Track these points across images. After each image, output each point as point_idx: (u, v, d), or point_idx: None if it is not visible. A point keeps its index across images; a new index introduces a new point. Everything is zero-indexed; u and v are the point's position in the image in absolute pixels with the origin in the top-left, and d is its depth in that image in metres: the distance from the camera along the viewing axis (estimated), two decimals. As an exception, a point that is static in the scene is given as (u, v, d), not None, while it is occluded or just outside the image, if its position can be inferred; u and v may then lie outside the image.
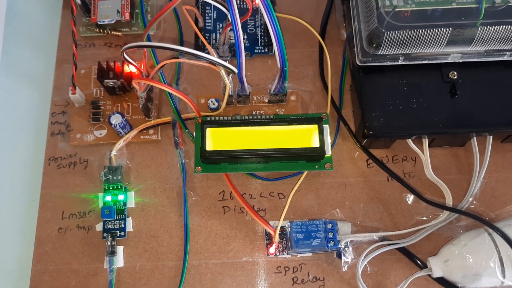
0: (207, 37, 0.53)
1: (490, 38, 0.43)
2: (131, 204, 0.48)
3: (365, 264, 0.45)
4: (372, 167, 0.49)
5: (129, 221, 0.47)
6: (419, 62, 0.45)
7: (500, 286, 0.42)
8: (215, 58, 0.40)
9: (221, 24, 0.53)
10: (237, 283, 0.45)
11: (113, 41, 0.54)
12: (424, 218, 0.47)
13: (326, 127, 0.45)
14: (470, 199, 0.46)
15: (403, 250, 0.46)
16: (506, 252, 0.41)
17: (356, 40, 0.46)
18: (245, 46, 0.52)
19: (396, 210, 0.47)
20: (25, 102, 0.53)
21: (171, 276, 0.46)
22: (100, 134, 0.50)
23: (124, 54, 0.42)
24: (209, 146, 0.44)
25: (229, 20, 0.41)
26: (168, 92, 0.48)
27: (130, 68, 0.49)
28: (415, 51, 0.44)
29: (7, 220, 0.49)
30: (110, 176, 0.47)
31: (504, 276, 0.41)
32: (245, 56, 0.51)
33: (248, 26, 0.53)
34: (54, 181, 0.49)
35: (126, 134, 0.49)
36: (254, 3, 0.50)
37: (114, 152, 0.48)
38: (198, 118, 0.46)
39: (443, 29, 0.42)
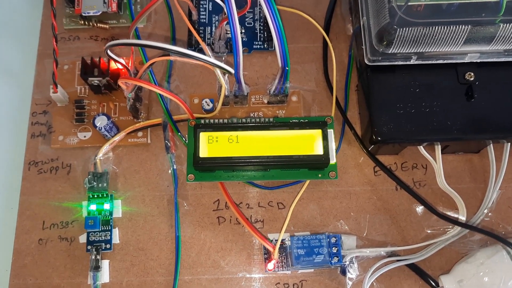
0: (201, 31, 0.49)
1: (511, 36, 0.39)
2: (117, 213, 0.45)
3: (372, 282, 0.42)
4: (379, 175, 0.45)
5: (116, 232, 0.44)
6: (433, 62, 0.42)
7: (519, 308, 0.39)
8: (209, 58, 0.36)
9: (217, 17, 0.50)
10: (233, 301, 0.42)
11: (99, 34, 0.50)
12: (436, 231, 0.43)
13: (331, 132, 0.42)
14: (485, 211, 0.43)
15: (413, 267, 0.42)
16: (527, 271, 0.38)
17: (365, 36, 0.42)
18: (242, 41, 0.49)
19: (405, 222, 0.44)
20: (3, 100, 0.50)
21: (160, 293, 0.43)
22: (85, 136, 0.46)
23: (108, 51, 0.38)
24: (203, 153, 0.41)
25: (225, 14, 0.37)
26: (158, 92, 0.44)
27: (116, 65, 0.45)
28: (429, 50, 0.41)
29: (-18, 230, 0.46)
30: (94, 183, 0.44)
31: (524, 299, 0.38)
32: (243, 52, 0.48)
33: (246, 19, 0.50)
34: (34, 187, 0.46)
35: (112, 137, 0.45)
36: (252, -6, 0.46)
37: (99, 156, 0.45)
38: (191, 121, 0.43)
39: (461, 26, 0.39)
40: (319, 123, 0.42)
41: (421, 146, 0.44)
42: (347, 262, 0.42)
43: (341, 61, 0.49)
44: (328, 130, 0.42)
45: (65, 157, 0.46)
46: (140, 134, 0.46)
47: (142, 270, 0.43)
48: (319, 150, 0.41)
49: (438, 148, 0.43)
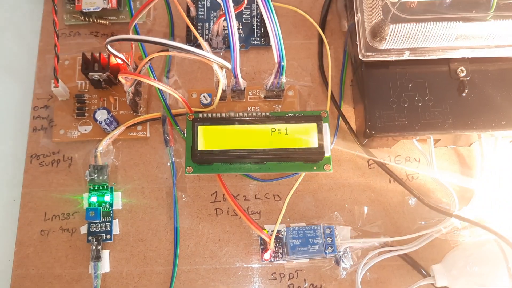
0: (199, 27, 0.50)
1: (501, 32, 0.40)
2: (117, 205, 0.45)
3: (365, 271, 0.43)
4: (373, 168, 0.46)
5: (116, 223, 0.45)
6: (426, 57, 0.43)
7: (508, 297, 0.40)
8: (206, 53, 0.37)
9: (214, 13, 0.50)
10: (230, 290, 0.43)
11: (100, 30, 0.51)
12: (428, 222, 0.44)
13: (326, 126, 0.43)
14: (477, 203, 0.44)
15: (405, 257, 0.43)
16: (515, 261, 0.39)
17: (359, 32, 0.43)
18: (240, 37, 0.49)
19: (398, 214, 0.45)
20: (5, 95, 0.50)
21: (159, 283, 0.43)
22: (85, 130, 0.47)
23: (108, 46, 0.39)
24: (201, 146, 0.42)
25: (222, 10, 0.38)
26: (158, 87, 0.45)
27: (116, 60, 0.46)
28: (422, 46, 0.42)
29: (-14, 221, 0.47)
30: (95, 175, 0.45)
31: (513, 288, 0.39)
32: (240, 48, 0.49)
33: (244, 16, 0.50)
34: (36, 180, 0.46)
35: (112, 130, 0.46)
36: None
37: (99, 149, 0.46)
38: (190, 115, 0.43)
39: (452, 23, 0.39)
40: (315, 117, 0.42)
41: (414, 140, 0.44)
42: (341, 252, 0.43)
43: (337, 57, 0.50)
44: (323, 124, 0.42)
45: (66, 150, 0.47)
46: (139, 128, 0.47)
47: (141, 260, 0.44)
48: (314, 143, 0.42)
49: (430, 142, 0.44)
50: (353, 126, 0.47)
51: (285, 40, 0.41)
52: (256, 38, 0.50)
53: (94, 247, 0.43)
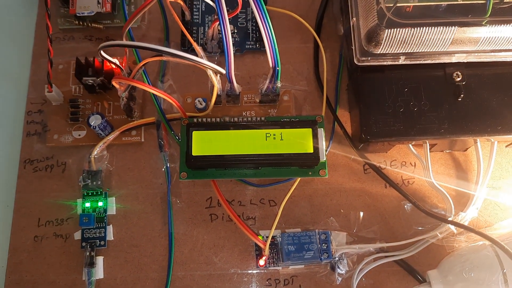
0: (194, 31, 0.50)
1: (497, 37, 0.40)
2: (112, 211, 0.45)
3: (361, 277, 0.43)
4: (369, 173, 0.46)
5: (110, 229, 0.45)
6: (422, 62, 0.42)
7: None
8: (199, 59, 0.37)
9: (209, 17, 0.50)
10: (225, 296, 0.43)
11: (94, 34, 0.51)
12: (424, 228, 0.44)
13: (321, 131, 0.42)
14: (472, 208, 0.44)
15: (401, 263, 0.43)
16: (511, 267, 0.39)
17: (354, 37, 0.42)
18: (235, 41, 0.49)
19: (394, 219, 0.45)
20: (-1, 100, 0.50)
21: (154, 289, 0.43)
22: (79, 135, 0.47)
23: (102, 52, 0.38)
24: (195, 151, 0.41)
25: (217, 15, 0.38)
26: (152, 91, 0.45)
27: (111, 64, 0.45)
28: (417, 50, 0.41)
29: (-21, 227, 0.46)
30: (89, 181, 0.44)
31: (508, 294, 0.39)
32: (236, 52, 0.49)
33: (239, 20, 0.50)
34: (30, 185, 0.46)
35: (106, 135, 0.46)
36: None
37: (93, 155, 0.45)
38: (184, 120, 0.43)
39: (448, 27, 0.39)
40: (310, 122, 0.42)
41: (410, 145, 0.44)
42: (337, 258, 0.42)
43: (332, 61, 0.49)
44: (318, 128, 0.42)
45: (60, 155, 0.47)
46: (134, 132, 0.47)
47: (136, 266, 0.44)
48: (309, 149, 0.41)
49: (426, 146, 0.44)
50: (349, 130, 0.47)
51: (281, 44, 0.40)
52: (252, 42, 0.50)
53: (88, 253, 0.43)
